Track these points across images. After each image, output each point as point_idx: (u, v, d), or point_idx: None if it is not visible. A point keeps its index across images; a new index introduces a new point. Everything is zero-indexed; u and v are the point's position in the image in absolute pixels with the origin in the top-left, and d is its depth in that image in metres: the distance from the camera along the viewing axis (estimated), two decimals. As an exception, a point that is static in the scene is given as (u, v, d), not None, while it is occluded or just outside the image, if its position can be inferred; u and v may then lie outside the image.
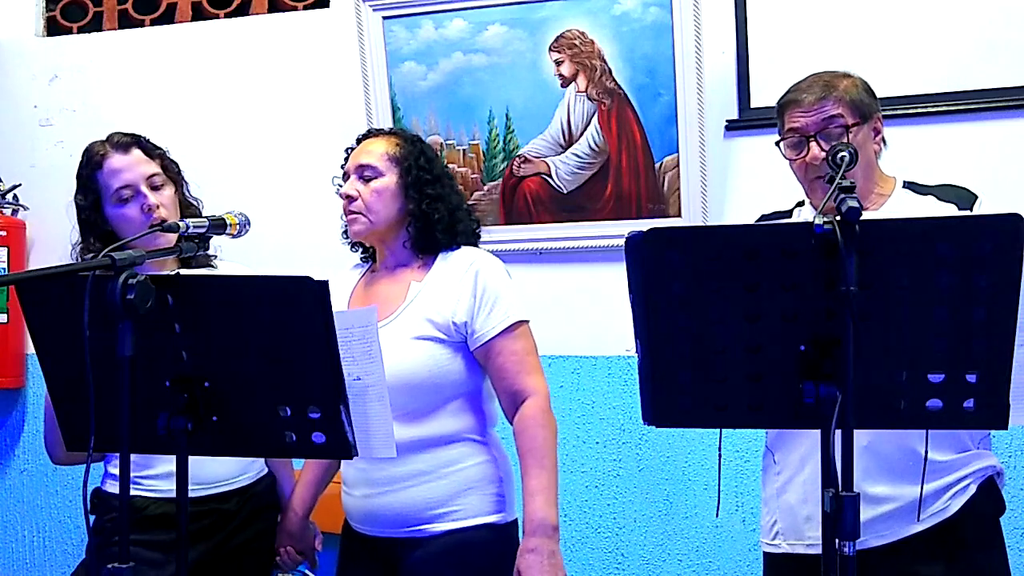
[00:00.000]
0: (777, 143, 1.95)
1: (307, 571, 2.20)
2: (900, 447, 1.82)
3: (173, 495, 1.99)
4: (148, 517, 2.02)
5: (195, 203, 2.18)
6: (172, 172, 2.12)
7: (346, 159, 2.13)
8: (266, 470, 2.22)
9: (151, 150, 2.09)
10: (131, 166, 2.04)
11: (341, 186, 2.09)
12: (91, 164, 2.05)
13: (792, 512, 1.93)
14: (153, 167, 2.06)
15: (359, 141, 2.14)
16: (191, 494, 1.99)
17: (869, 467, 1.80)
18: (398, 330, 1.97)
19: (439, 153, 2.93)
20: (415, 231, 2.05)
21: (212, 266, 2.12)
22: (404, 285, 2.02)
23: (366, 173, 2.05)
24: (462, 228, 2.08)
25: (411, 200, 2.04)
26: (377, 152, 2.07)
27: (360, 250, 2.20)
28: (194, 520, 2.01)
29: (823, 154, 1.85)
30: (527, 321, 2.01)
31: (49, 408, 1.95)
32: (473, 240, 2.10)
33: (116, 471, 2.07)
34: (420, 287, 2.00)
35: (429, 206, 2.03)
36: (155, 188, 2.05)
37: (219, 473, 2.09)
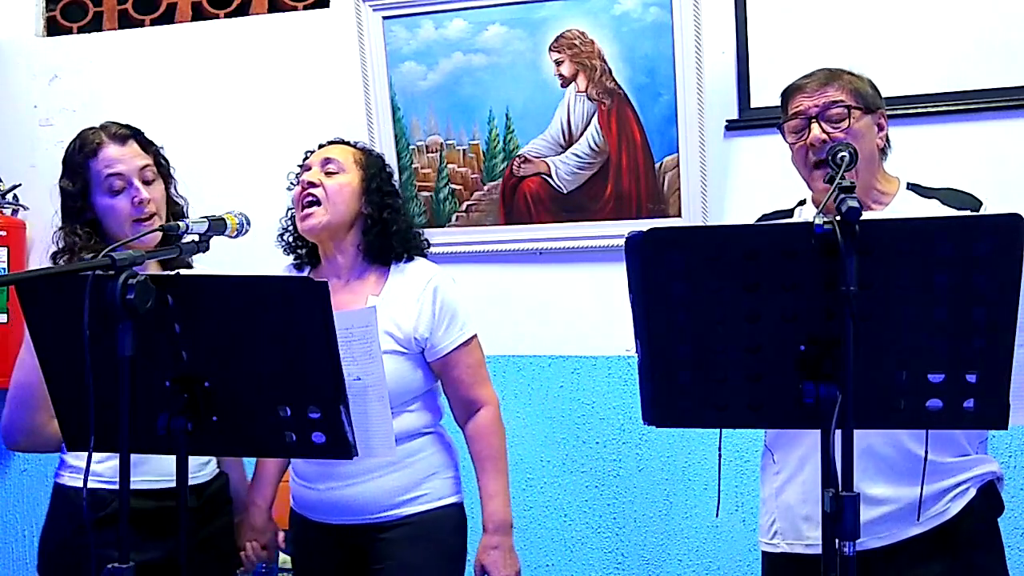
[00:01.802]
0: (780, 126, 1.96)
1: (266, 567, 2.20)
2: (899, 449, 1.82)
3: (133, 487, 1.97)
4: (112, 514, 1.92)
5: (181, 202, 2.16)
6: (163, 169, 2.10)
7: (305, 159, 2.16)
8: (218, 470, 2.18)
9: (147, 144, 2.08)
10: (127, 158, 2.02)
11: (293, 184, 2.13)
12: (84, 151, 2.02)
13: (791, 512, 1.93)
14: (147, 161, 2.05)
15: (321, 147, 2.19)
16: (147, 486, 1.95)
17: (868, 468, 1.80)
18: None
19: (439, 152, 2.95)
20: (372, 236, 2.09)
21: (189, 265, 2.10)
22: (361, 299, 2.07)
23: (330, 167, 2.09)
24: (415, 243, 2.16)
25: (370, 204, 2.09)
26: (343, 154, 2.13)
27: (293, 253, 2.21)
28: (153, 518, 1.94)
29: (823, 136, 1.86)
30: (476, 334, 2.15)
31: (21, 389, 1.94)
32: (421, 253, 2.17)
33: (76, 462, 2.02)
34: (378, 301, 2.05)
35: (389, 215, 2.09)
36: (147, 182, 2.03)
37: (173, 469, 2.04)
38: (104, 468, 1.92)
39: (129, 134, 2.06)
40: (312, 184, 2.06)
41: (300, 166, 2.17)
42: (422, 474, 2.08)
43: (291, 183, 2.16)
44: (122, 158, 2.02)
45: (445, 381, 2.14)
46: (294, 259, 2.23)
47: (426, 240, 2.22)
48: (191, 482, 2.03)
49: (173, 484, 1.97)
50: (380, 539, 2.05)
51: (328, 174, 2.08)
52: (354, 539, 2.07)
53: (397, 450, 1.99)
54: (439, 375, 2.13)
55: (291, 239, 2.21)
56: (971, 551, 1.85)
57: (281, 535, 2.23)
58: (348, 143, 2.21)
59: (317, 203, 2.05)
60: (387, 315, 2.03)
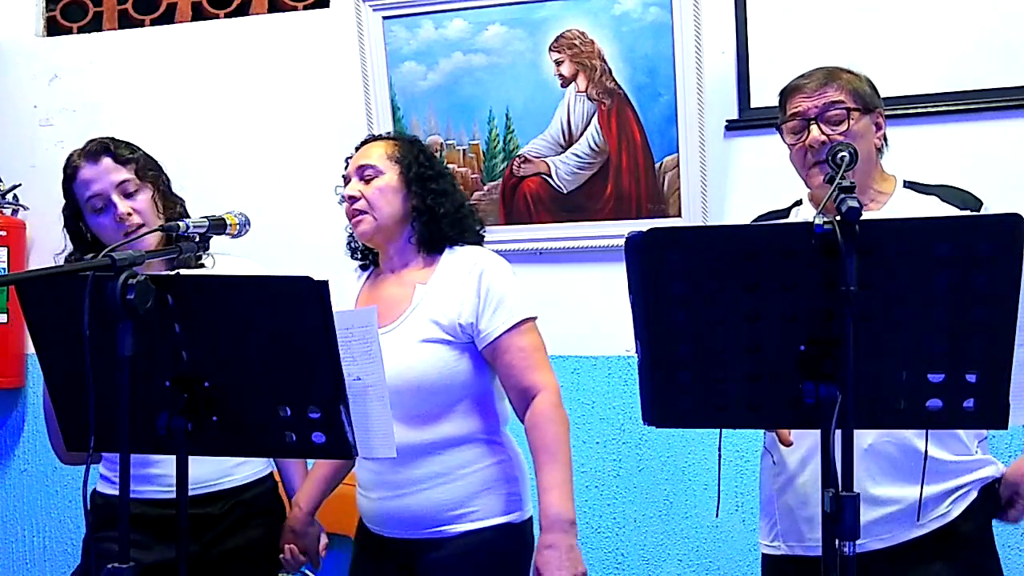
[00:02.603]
0: (778, 126, 1.96)
1: (309, 572, 2.18)
2: (903, 447, 1.82)
3: (148, 496, 1.98)
4: (135, 515, 1.95)
5: (178, 199, 2.14)
6: (148, 174, 2.07)
7: (346, 166, 2.13)
8: (265, 473, 2.17)
9: (122, 156, 2.04)
10: (100, 176, 2.01)
11: (342, 197, 2.09)
12: (67, 176, 2.05)
13: (792, 514, 1.93)
14: (124, 174, 2.02)
15: (357, 149, 2.15)
16: (162, 495, 1.99)
17: (871, 468, 1.80)
18: (405, 333, 1.97)
19: (439, 153, 2.95)
20: (420, 226, 2.04)
21: (203, 265, 2.09)
22: (409, 288, 2.02)
23: (366, 173, 2.04)
24: (468, 224, 2.08)
25: (415, 196, 2.04)
26: (376, 153, 2.07)
27: (359, 257, 2.19)
28: (167, 523, 1.94)
29: (823, 137, 1.86)
30: (534, 318, 2.01)
31: (50, 408, 1.95)
32: (477, 239, 2.10)
33: (107, 473, 2.07)
34: (426, 290, 2.00)
35: (434, 200, 2.03)
36: (128, 195, 2.02)
37: (197, 475, 1.97)
38: (114, 475, 1.96)
39: (100, 150, 2.03)
40: (353, 198, 2.03)
41: (343, 176, 2.13)
42: (473, 488, 1.95)
43: (340, 197, 2.11)
44: (96, 177, 2.01)
45: (499, 370, 1.98)
46: (359, 263, 2.20)
47: (479, 220, 2.12)
48: (215, 488, 2.06)
49: (193, 492, 1.97)
50: (426, 558, 1.95)
51: (367, 181, 2.04)
52: (404, 555, 1.98)
53: (446, 459, 1.94)
54: (492, 365, 1.99)
55: (354, 244, 2.18)
56: (971, 553, 1.85)
57: (324, 540, 2.16)
58: (381, 137, 2.17)
59: (363, 212, 2.02)
60: (432, 302, 1.98)
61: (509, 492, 1.98)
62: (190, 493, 1.94)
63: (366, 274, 2.17)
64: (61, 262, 2.08)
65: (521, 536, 1.98)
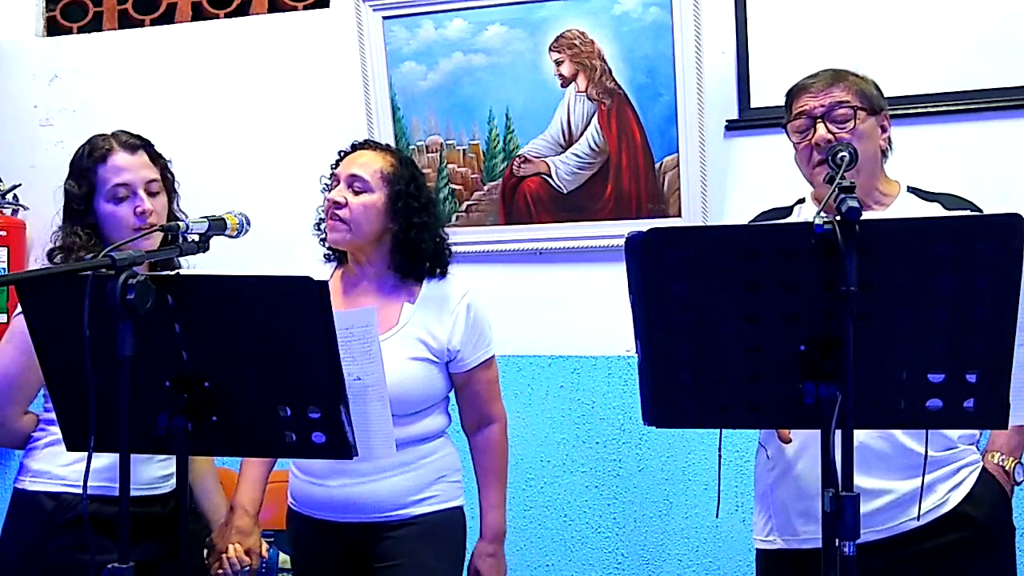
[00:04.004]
0: (784, 125, 1.96)
1: (248, 572, 2.17)
2: (893, 445, 1.83)
3: (102, 494, 1.85)
4: (77, 517, 1.91)
5: (182, 217, 2.13)
6: (168, 182, 2.10)
7: (337, 162, 2.16)
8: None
9: (156, 157, 2.08)
10: (135, 167, 2.02)
11: (328, 187, 2.14)
12: (94, 156, 2.02)
13: (786, 508, 1.93)
14: (154, 173, 2.05)
15: (354, 148, 2.18)
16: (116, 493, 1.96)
17: (859, 462, 1.80)
18: (394, 348, 2.04)
19: (439, 153, 2.95)
20: (400, 256, 2.11)
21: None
22: (396, 306, 2.11)
23: (356, 185, 2.09)
24: (445, 260, 2.17)
25: (396, 222, 2.10)
26: (371, 167, 2.11)
27: (326, 248, 2.22)
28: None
29: (829, 136, 1.86)
30: (495, 354, 2.23)
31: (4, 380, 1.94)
32: (445, 266, 2.19)
33: (37, 466, 1.99)
34: (414, 310, 2.11)
35: (416, 235, 2.10)
36: (151, 194, 2.03)
37: (143, 476, 1.96)
38: (68, 471, 1.92)
39: (140, 144, 2.05)
40: (337, 204, 2.07)
41: (332, 170, 2.15)
42: (433, 476, 2.12)
43: (324, 186, 2.15)
44: (130, 167, 2.02)
45: (463, 392, 2.20)
46: (325, 252, 2.23)
47: (449, 248, 2.20)
48: (160, 490, 2.01)
49: (147, 493, 1.97)
50: (387, 538, 2.07)
51: (355, 192, 2.08)
52: (357, 538, 2.09)
53: (412, 451, 2.09)
54: (458, 386, 2.19)
55: (324, 235, 2.20)
56: (975, 539, 1.86)
57: (265, 544, 2.19)
58: (380, 148, 2.19)
59: (341, 220, 2.07)
60: (421, 323, 2.09)
61: (456, 480, 2.19)
62: (143, 494, 1.94)
63: (335, 268, 2.21)
64: (54, 237, 2.04)
65: (462, 519, 2.20)
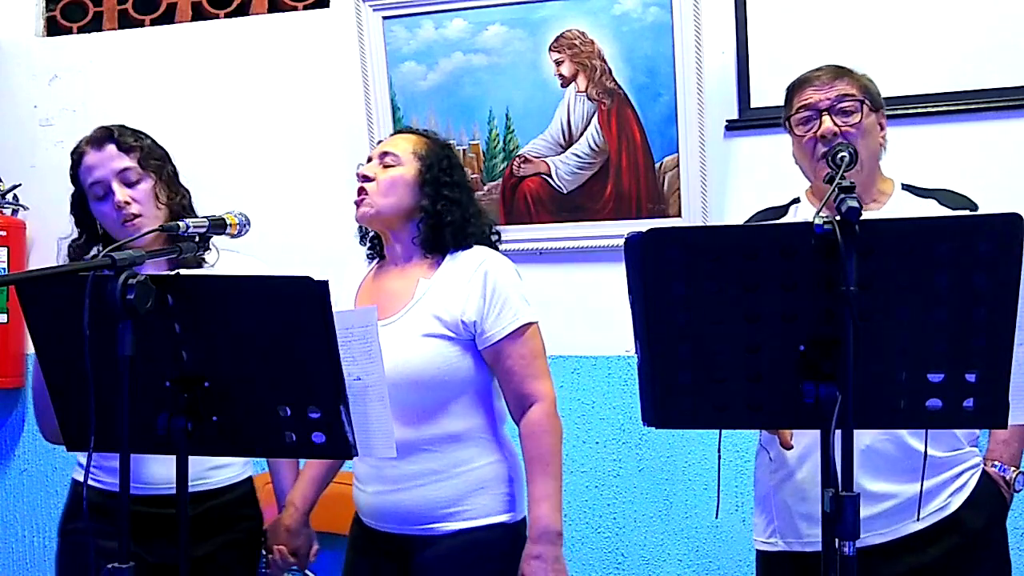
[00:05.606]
0: (785, 120, 1.95)
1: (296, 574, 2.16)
2: (899, 445, 1.82)
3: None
4: (93, 505, 1.89)
5: (183, 190, 2.10)
6: (152, 164, 2.04)
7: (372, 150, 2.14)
8: (243, 477, 2.12)
9: (126, 144, 2.03)
10: (102, 162, 2.00)
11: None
12: (73, 162, 2.05)
13: (789, 511, 1.93)
14: (126, 161, 2.01)
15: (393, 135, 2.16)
16: (138, 492, 1.91)
17: (867, 465, 1.81)
18: (406, 327, 1.96)
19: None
20: (425, 228, 2.03)
21: (204, 261, 2.06)
22: (413, 281, 2.01)
23: (387, 159, 2.05)
24: (472, 231, 2.06)
25: (425, 196, 2.03)
26: (403, 145, 2.08)
27: (367, 244, 2.19)
28: (142, 521, 1.83)
29: (835, 128, 1.85)
30: (535, 323, 2.01)
31: (38, 388, 1.93)
32: (486, 242, 2.09)
33: (80, 458, 2.02)
34: (429, 284, 1.99)
35: (443, 207, 2.02)
36: (129, 184, 2.00)
37: (160, 475, 1.95)
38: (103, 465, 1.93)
39: (105, 137, 2.02)
40: (366, 178, 2.04)
41: (369, 157, 2.13)
42: (469, 487, 1.95)
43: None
44: (99, 163, 2.00)
45: (498, 374, 1.99)
46: (368, 250, 2.20)
47: (490, 224, 2.11)
48: (196, 488, 1.98)
49: (153, 492, 1.95)
50: (420, 555, 1.95)
51: (385, 167, 2.05)
52: (399, 550, 1.98)
53: (442, 456, 1.94)
54: (492, 367, 1.99)
55: (364, 230, 2.18)
56: (973, 545, 1.86)
57: (315, 547, 2.13)
58: (415, 131, 2.17)
59: (367, 195, 2.03)
60: (435, 297, 1.97)
61: (503, 492, 1.98)
62: (161, 492, 1.94)
63: (374, 263, 2.17)
64: (65, 247, 2.08)
65: (513, 537, 1.97)
